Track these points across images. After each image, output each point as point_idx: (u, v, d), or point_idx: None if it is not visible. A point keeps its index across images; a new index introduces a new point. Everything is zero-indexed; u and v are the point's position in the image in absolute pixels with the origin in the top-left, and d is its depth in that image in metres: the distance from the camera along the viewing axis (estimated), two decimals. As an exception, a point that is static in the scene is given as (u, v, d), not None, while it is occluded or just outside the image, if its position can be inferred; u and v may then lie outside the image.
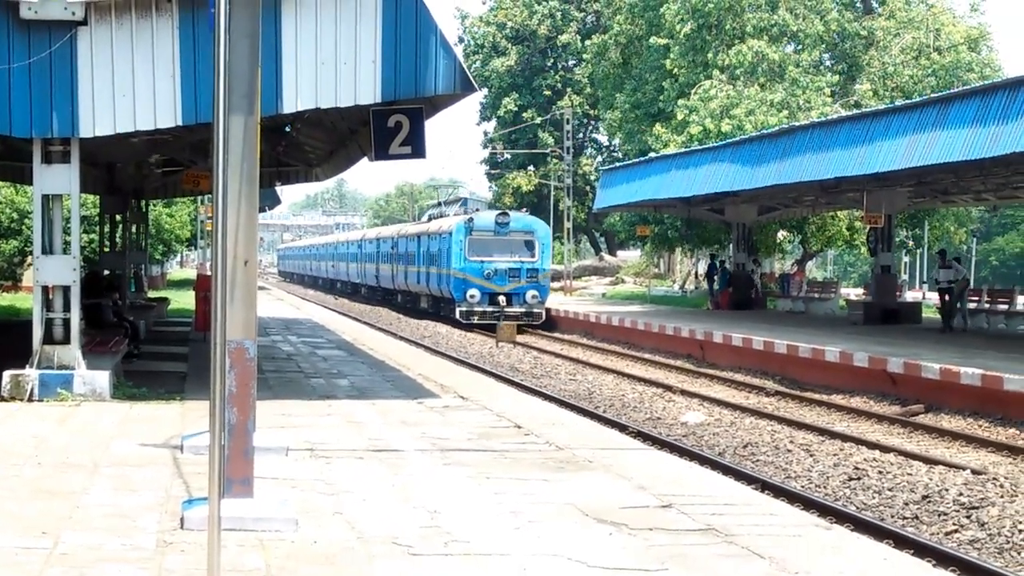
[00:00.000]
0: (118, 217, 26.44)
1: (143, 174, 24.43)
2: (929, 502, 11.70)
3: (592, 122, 66.37)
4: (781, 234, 45.48)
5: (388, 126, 13.51)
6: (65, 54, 12.69)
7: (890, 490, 12.29)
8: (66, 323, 13.24)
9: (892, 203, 29.19)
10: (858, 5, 43.62)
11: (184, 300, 34.22)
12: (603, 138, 67.37)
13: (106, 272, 23.07)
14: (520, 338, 32.65)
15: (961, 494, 11.86)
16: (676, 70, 40.91)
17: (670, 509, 8.47)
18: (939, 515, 11.22)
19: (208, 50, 9.00)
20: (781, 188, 28.05)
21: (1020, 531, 10.46)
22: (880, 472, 13.14)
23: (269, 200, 36.91)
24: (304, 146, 21.59)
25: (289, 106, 13.12)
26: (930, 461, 13.64)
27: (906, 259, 62.69)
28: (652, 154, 37.29)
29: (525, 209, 53.95)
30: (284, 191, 52.38)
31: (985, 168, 22.64)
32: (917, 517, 11.23)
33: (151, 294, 35.15)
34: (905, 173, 23.19)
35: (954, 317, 27.21)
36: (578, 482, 9.37)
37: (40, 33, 12.67)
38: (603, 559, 7.01)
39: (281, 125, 18.45)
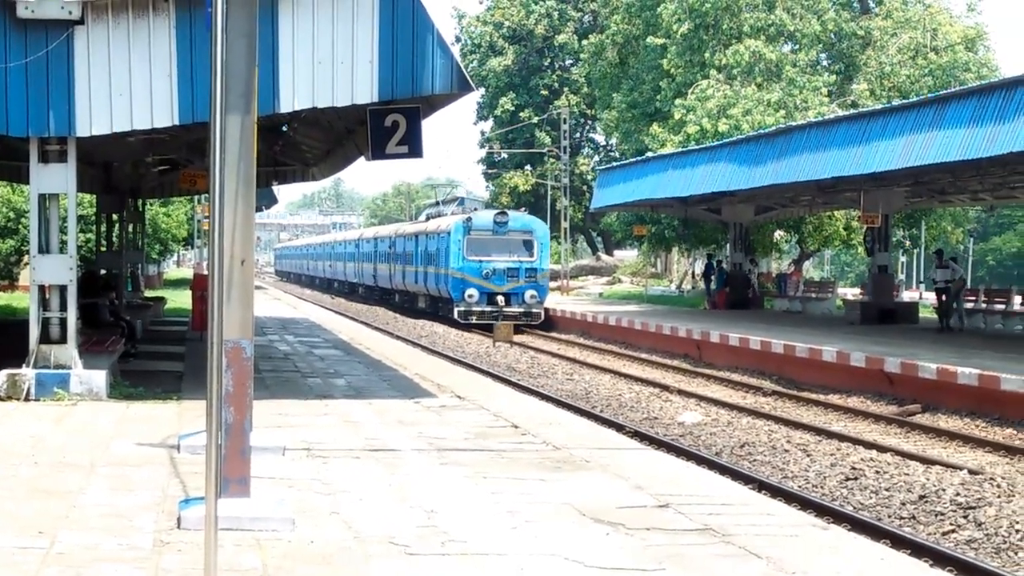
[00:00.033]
0: (115, 216, 26.39)
1: (140, 173, 24.41)
2: (926, 502, 11.70)
3: (589, 122, 66.37)
4: (778, 234, 45.47)
5: (385, 125, 13.52)
6: (62, 53, 12.69)
7: (887, 490, 12.29)
8: (63, 322, 13.24)
9: (889, 203, 29.20)
10: (855, 5, 43.61)
11: (181, 299, 34.18)
12: (600, 138, 67.45)
13: (103, 271, 23.03)
14: (517, 338, 32.62)
15: (958, 494, 11.86)
16: (673, 70, 40.92)
17: (667, 509, 8.47)
18: (936, 515, 11.23)
19: (205, 49, 8.99)
20: (778, 188, 28.06)
21: (1017, 531, 10.46)
22: (877, 472, 13.14)
23: (266, 199, 36.88)
24: (301, 145, 21.59)
25: (286, 105, 13.12)
26: (927, 461, 13.65)
27: (903, 259, 62.68)
28: (649, 154, 37.27)
29: (523, 209, 53.93)
30: (281, 190, 52.45)
31: (982, 168, 22.66)
32: (914, 517, 11.23)
33: (148, 293, 35.16)
34: (902, 173, 23.19)
35: (951, 317, 27.22)
36: (575, 482, 9.37)
37: (37, 32, 12.66)
38: (600, 559, 7.01)
39: (278, 124, 18.48)
